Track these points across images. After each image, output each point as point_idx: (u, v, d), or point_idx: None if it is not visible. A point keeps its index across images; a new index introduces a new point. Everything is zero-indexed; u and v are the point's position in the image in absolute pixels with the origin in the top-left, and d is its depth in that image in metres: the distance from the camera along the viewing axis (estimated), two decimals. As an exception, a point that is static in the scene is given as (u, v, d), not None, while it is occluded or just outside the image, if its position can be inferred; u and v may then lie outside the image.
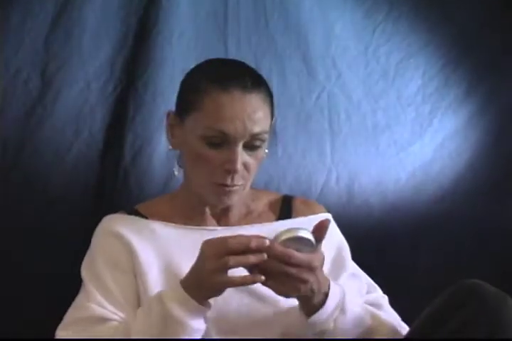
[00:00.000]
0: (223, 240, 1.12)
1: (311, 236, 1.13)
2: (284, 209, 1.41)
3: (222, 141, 1.25)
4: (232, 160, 1.24)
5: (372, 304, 1.32)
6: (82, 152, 1.68)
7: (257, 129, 1.25)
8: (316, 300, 1.17)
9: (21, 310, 1.23)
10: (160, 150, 1.67)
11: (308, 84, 1.79)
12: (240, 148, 1.25)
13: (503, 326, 1.12)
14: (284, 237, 1.12)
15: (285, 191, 1.65)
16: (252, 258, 1.10)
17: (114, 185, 1.68)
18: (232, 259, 1.10)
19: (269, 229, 1.27)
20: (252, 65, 1.73)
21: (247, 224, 1.37)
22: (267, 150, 1.33)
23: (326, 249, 1.29)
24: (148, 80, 1.70)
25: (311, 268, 1.12)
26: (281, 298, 1.20)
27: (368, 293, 1.38)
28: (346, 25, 1.81)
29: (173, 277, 1.26)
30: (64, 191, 1.66)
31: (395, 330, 1.28)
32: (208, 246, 1.13)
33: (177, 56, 1.70)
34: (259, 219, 1.39)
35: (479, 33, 1.86)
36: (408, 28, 1.84)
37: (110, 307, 1.25)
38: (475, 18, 1.86)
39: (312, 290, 1.14)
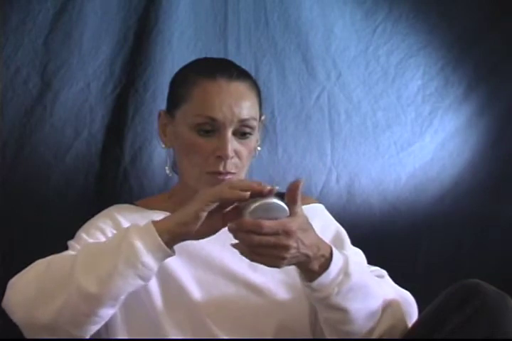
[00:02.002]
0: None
1: (278, 200, 1.11)
2: None
3: (211, 129, 1.28)
4: (223, 146, 1.27)
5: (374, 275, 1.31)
6: (82, 152, 1.68)
7: (244, 115, 1.29)
8: (315, 264, 1.13)
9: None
10: (160, 150, 1.66)
11: (308, 84, 1.79)
12: (229, 134, 1.28)
13: (503, 326, 1.12)
14: (251, 208, 1.10)
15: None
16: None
17: (114, 185, 1.68)
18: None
19: None
20: (252, 64, 1.75)
21: None
22: (259, 144, 1.36)
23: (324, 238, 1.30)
24: (148, 80, 1.70)
25: (288, 233, 1.09)
26: (277, 291, 1.21)
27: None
28: (346, 25, 1.81)
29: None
30: (64, 191, 1.66)
31: (403, 297, 1.28)
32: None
33: (177, 56, 1.71)
34: None
35: (479, 34, 1.86)
36: (408, 29, 1.85)
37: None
38: (475, 18, 1.86)
39: (303, 255, 1.11)
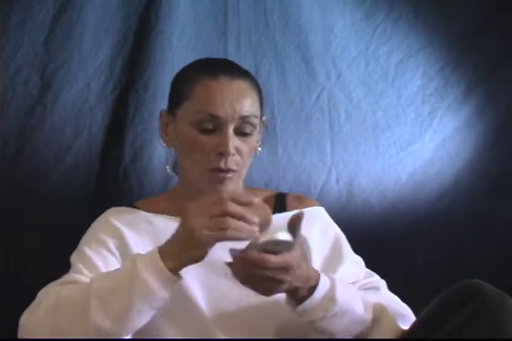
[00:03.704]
0: (218, 201, 1.10)
1: (287, 237, 1.13)
2: (278, 204, 1.42)
3: (213, 126, 1.29)
4: (224, 143, 1.27)
5: (369, 288, 1.33)
6: (82, 152, 1.68)
7: (245, 112, 1.29)
8: (303, 292, 1.16)
9: (22, 307, 1.23)
10: (160, 150, 1.67)
11: (308, 84, 1.79)
12: (230, 131, 1.29)
13: (503, 326, 1.12)
14: (259, 242, 1.12)
15: (285, 191, 1.65)
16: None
17: (114, 185, 1.68)
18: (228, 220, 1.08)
19: None
20: (252, 64, 1.75)
21: None
22: (260, 145, 1.36)
23: (322, 243, 1.31)
24: (148, 80, 1.70)
25: (287, 269, 1.12)
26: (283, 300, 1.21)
27: (365, 278, 1.38)
28: (346, 26, 1.81)
29: None
30: (64, 191, 1.66)
31: (396, 311, 1.28)
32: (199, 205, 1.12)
33: (177, 56, 1.71)
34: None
35: (479, 34, 1.86)
36: (408, 29, 1.85)
37: (88, 273, 1.26)
38: (474, 19, 1.86)
39: (293, 287, 1.14)
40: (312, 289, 1.16)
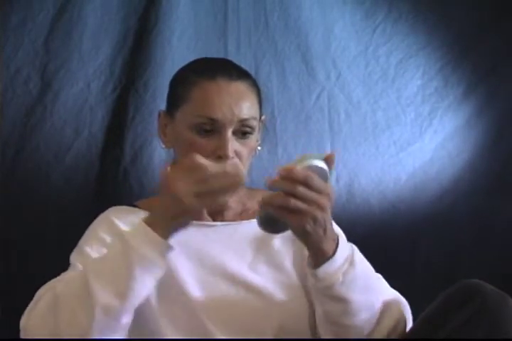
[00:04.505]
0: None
1: (324, 165, 1.10)
2: None
3: (211, 129, 1.28)
4: (223, 146, 1.27)
5: None
6: (82, 152, 1.68)
7: (244, 115, 1.28)
8: (326, 245, 1.13)
9: (22, 307, 1.22)
10: (160, 150, 1.67)
11: (308, 84, 1.79)
12: (229, 134, 1.27)
13: (503, 326, 1.12)
14: (304, 164, 1.08)
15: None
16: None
17: (114, 185, 1.68)
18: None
19: None
20: (252, 64, 1.75)
21: (243, 220, 1.37)
22: (260, 144, 1.36)
23: None
24: (148, 80, 1.70)
25: (330, 196, 1.08)
26: (277, 292, 1.22)
27: None
28: (346, 26, 1.81)
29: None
30: (64, 191, 1.66)
31: (399, 297, 1.28)
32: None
33: (177, 56, 1.71)
34: (254, 215, 1.39)
35: (478, 34, 1.86)
36: (408, 29, 1.85)
37: None
38: (474, 19, 1.86)
39: (323, 229, 1.10)
40: (332, 249, 1.14)
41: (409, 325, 1.26)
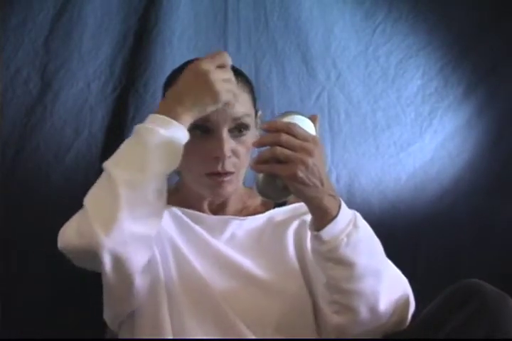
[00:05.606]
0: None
1: (309, 121, 1.15)
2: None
3: (207, 130, 1.28)
4: (219, 146, 1.27)
5: None
6: (82, 152, 1.68)
7: (237, 113, 1.28)
8: (327, 202, 1.14)
9: (22, 307, 1.23)
10: (160, 150, 1.67)
11: (308, 84, 1.79)
12: (224, 134, 1.28)
13: (503, 326, 1.12)
14: (285, 116, 1.13)
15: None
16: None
17: (114, 185, 1.68)
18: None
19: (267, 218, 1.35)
20: (252, 64, 1.75)
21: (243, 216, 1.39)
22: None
23: None
24: (148, 80, 1.70)
25: (316, 142, 1.11)
26: (280, 284, 1.25)
27: None
28: (346, 26, 1.81)
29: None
30: (64, 191, 1.66)
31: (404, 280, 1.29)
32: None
33: (177, 56, 1.71)
34: (255, 212, 1.41)
35: (478, 34, 1.87)
36: (408, 29, 1.85)
37: None
38: (474, 19, 1.86)
39: (319, 180, 1.11)
40: (337, 212, 1.15)
41: (412, 304, 1.27)
